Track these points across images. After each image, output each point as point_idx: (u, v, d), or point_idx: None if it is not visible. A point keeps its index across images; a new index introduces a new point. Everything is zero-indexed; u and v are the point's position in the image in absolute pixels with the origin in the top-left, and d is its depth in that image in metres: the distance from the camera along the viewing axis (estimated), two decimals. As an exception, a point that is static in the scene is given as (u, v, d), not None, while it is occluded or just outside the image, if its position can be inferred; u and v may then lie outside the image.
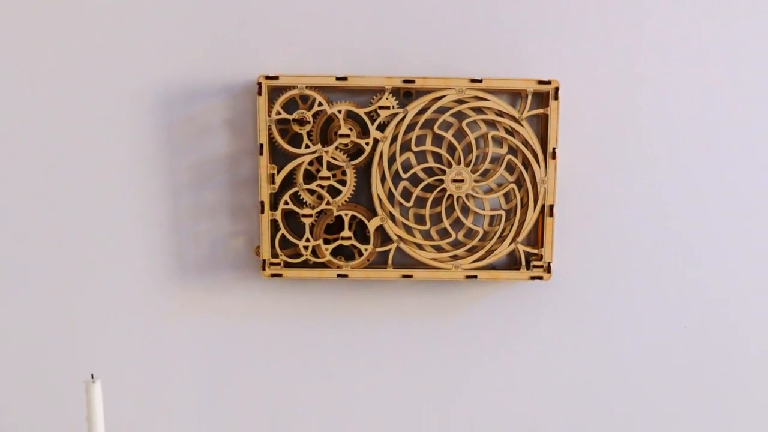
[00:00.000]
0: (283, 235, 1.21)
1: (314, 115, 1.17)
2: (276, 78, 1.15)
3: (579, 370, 1.34)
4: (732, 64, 1.24)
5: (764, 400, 1.35)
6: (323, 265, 1.23)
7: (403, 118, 1.17)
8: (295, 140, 1.19)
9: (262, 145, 1.17)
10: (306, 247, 1.21)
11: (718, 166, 1.27)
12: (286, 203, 1.19)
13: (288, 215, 1.22)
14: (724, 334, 1.32)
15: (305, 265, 1.23)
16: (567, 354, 1.34)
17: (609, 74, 1.24)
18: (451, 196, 1.20)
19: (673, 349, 1.33)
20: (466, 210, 1.21)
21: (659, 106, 1.25)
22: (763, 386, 1.34)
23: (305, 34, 1.21)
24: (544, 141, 1.19)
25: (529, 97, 1.17)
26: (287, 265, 1.23)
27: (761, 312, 1.32)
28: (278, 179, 1.19)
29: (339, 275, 1.22)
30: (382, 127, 1.17)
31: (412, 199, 1.21)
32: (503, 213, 1.22)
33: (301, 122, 1.18)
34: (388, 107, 1.17)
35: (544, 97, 1.18)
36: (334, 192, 1.20)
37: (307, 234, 1.21)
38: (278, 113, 1.16)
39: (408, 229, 1.22)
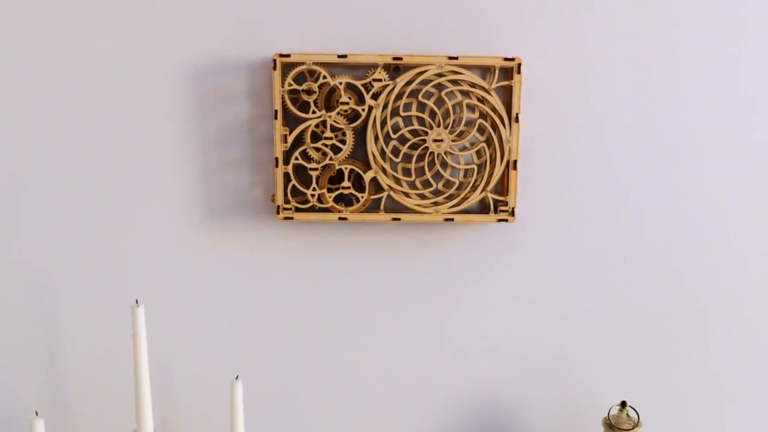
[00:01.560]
0: (293, 185, 1.33)
1: (319, 86, 1.29)
2: (288, 56, 1.27)
3: (538, 296, 1.47)
4: (667, 41, 1.36)
5: (687, 313, 1.49)
6: (327, 210, 1.34)
7: (392, 89, 1.28)
8: (304, 107, 1.30)
9: (276, 111, 1.29)
10: (312, 195, 1.33)
11: (654, 128, 1.40)
12: (297, 159, 1.32)
13: (298, 169, 1.34)
14: (655, 264, 1.46)
15: (312, 209, 1.34)
16: (528, 283, 1.46)
17: (563, 52, 1.36)
18: (432, 153, 1.32)
19: (614, 278, 1.46)
20: (444, 164, 1.33)
21: (605, 78, 1.37)
22: (684, 301, 1.48)
23: (312, 18, 1.32)
24: (509, 107, 1.31)
25: (497, 72, 1.29)
26: (297, 209, 1.34)
27: (682, 244, 1.46)
28: (290, 139, 1.31)
29: (340, 218, 1.34)
30: (375, 96, 1.29)
31: (400, 156, 1.33)
32: (475, 167, 1.33)
33: (309, 92, 1.29)
34: (380, 80, 1.28)
35: (509, 71, 1.29)
36: (336, 150, 1.32)
37: (314, 184, 1.33)
38: (290, 85, 1.28)
39: (397, 180, 1.33)
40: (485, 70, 1.32)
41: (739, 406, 1.52)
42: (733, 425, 1.54)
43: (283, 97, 1.29)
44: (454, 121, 1.31)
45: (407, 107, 1.31)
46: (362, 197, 1.33)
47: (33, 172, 1.41)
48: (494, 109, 1.30)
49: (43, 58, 1.36)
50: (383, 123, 1.30)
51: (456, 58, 1.28)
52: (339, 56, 1.28)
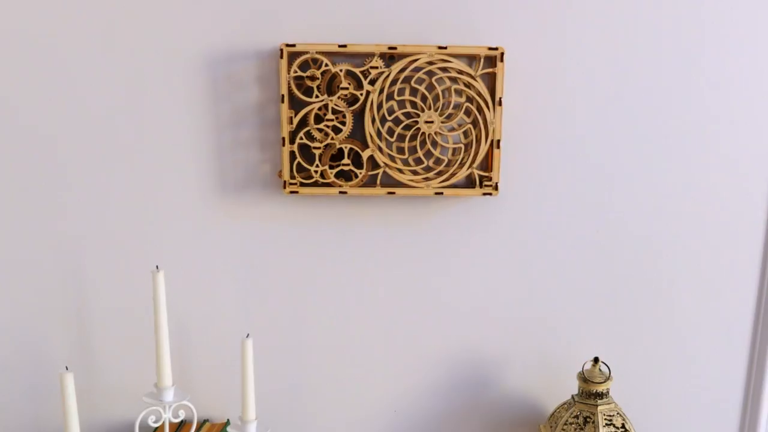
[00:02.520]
0: (298, 162, 1.38)
1: (322, 73, 1.34)
2: (293, 45, 1.32)
3: (519, 262, 1.53)
4: (635, 30, 1.41)
5: (653, 277, 1.55)
6: (328, 185, 1.39)
7: (388, 75, 1.33)
8: (308, 92, 1.35)
9: (283, 96, 1.33)
10: (316, 171, 1.38)
11: (624, 110, 1.45)
12: (301, 139, 1.36)
13: (302, 147, 1.38)
14: (625, 234, 1.52)
15: (315, 184, 1.39)
16: (510, 250, 1.52)
17: (542, 42, 1.41)
18: (423, 133, 1.36)
19: (587, 246, 1.52)
20: (434, 144, 1.38)
21: (580, 66, 1.42)
22: (651, 267, 1.54)
23: (316, 11, 1.36)
24: (492, 92, 1.35)
25: (482, 60, 1.34)
26: (302, 184, 1.39)
27: (649, 215, 1.51)
28: (295, 121, 1.36)
29: (340, 192, 1.39)
30: (372, 82, 1.34)
31: (395, 136, 1.37)
32: (462, 146, 1.38)
33: (312, 78, 1.34)
34: (377, 67, 1.33)
35: (493, 59, 1.34)
36: (336, 130, 1.36)
37: (317, 161, 1.38)
38: (295, 72, 1.33)
39: (392, 158, 1.38)
40: (471, 59, 1.36)
41: (698, 361, 1.59)
42: (693, 378, 1.60)
43: (289, 83, 1.34)
44: (443, 104, 1.36)
45: (401, 92, 1.36)
46: (360, 173, 1.38)
47: (68, 149, 1.45)
48: (479, 94, 1.34)
49: (79, 50, 1.41)
50: (379, 106, 1.35)
51: (445, 48, 1.33)
52: (339, 46, 1.32)
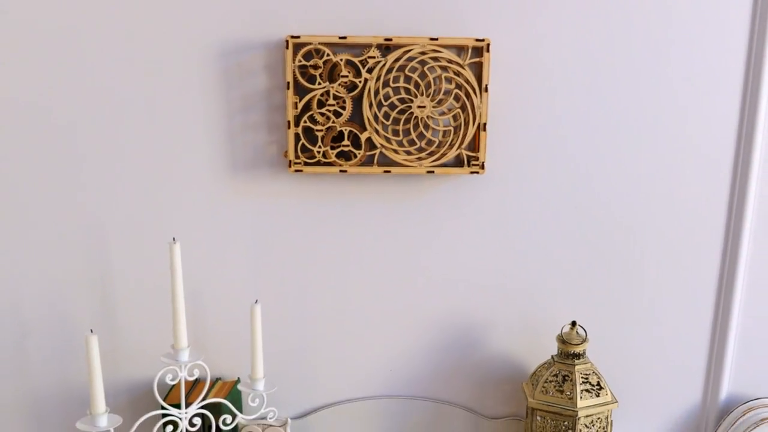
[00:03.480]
0: (303, 144, 1.42)
1: (324, 62, 1.38)
2: (298, 37, 1.36)
3: (503, 234, 1.57)
4: (607, 23, 1.45)
5: (625, 248, 1.59)
6: (330, 164, 1.43)
7: (384, 64, 1.38)
8: (311, 79, 1.39)
9: (288, 83, 1.38)
10: (318, 152, 1.42)
11: (598, 96, 1.49)
12: (305, 122, 1.40)
13: (306, 130, 1.42)
14: (599, 207, 1.56)
15: (318, 163, 1.43)
16: (495, 224, 1.56)
17: (524, 34, 1.45)
18: (416, 117, 1.41)
19: (566, 219, 1.57)
20: (426, 127, 1.42)
21: (558, 56, 1.46)
22: (623, 239, 1.58)
23: (318, 6, 1.41)
24: (479, 80, 1.40)
25: (470, 50, 1.38)
26: (306, 164, 1.43)
27: (621, 190, 1.55)
28: (300, 106, 1.40)
29: (341, 171, 1.43)
30: (370, 71, 1.38)
31: (391, 119, 1.42)
32: (452, 129, 1.42)
33: (315, 67, 1.38)
34: (374, 57, 1.38)
35: (480, 50, 1.39)
36: (337, 114, 1.40)
37: (319, 143, 1.42)
38: (299, 61, 1.37)
39: (387, 140, 1.43)
40: (460, 49, 1.41)
41: (665, 324, 1.65)
42: (660, 339, 1.65)
43: (294, 71, 1.38)
44: (434, 91, 1.40)
45: (396, 79, 1.40)
46: (359, 154, 1.42)
47: (92, 133, 1.49)
48: (467, 81, 1.39)
49: (105, 41, 1.44)
50: (376, 92, 1.39)
51: (436, 39, 1.37)
52: (340, 38, 1.37)
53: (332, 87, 1.41)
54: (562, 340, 1.52)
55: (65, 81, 1.47)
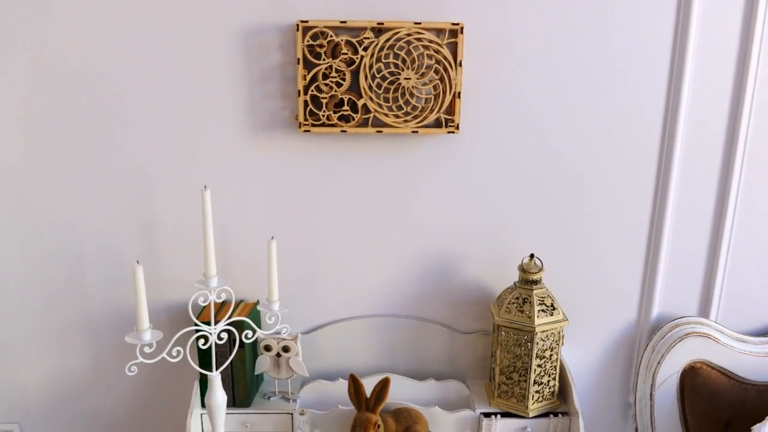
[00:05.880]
0: (310, 109, 1.51)
1: (328, 42, 1.47)
2: (306, 21, 1.46)
3: (475, 183, 1.66)
4: (567, 7, 1.53)
5: (577, 196, 1.67)
6: (332, 125, 1.51)
7: (377, 44, 1.48)
8: (317, 56, 1.48)
9: (299, 59, 1.48)
10: (323, 115, 1.51)
11: (556, 70, 1.57)
12: (312, 91, 1.50)
13: (313, 98, 1.51)
14: (555, 162, 1.65)
15: (322, 125, 1.52)
16: (468, 175, 1.65)
17: (492, 19, 1.53)
18: (403, 87, 1.51)
19: (527, 172, 1.66)
20: (411, 95, 1.51)
21: (523, 36, 1.54)
22: (575, 187, 1.67)
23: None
24: (455, 56, 1.49)
25: (447, 32, 1.48)
26: (313, 125, 1.52)
27: (573, 148, 1.64)
28: (308, 78, 1.49)
29: (341, 131, 1.53)
30: (365, 49, 1.48)
31: (382, 89, 1.51)
32: (432, 96, 1.52)
33: (320, 46, 1.48)
34: (368, 38, 1.47)
35: (456, 32, 1.48)
36: (338, 85, 1.50)
37: (324, 108, 1.51)
38: (307, 41, 1.47)
39: (379, 105, 1.52)
40: (439, 31, 1.49)
41: (607, 254, 1.74)
42: (603, 270, 1.76)
43: (303, 50, 1.47)
44: (418, 65, 1.50)
45: (387, 56, 1.49)
46: (356, 117, 1.51)
47: (137, 99, 1.57)
48: (445, 58, 1.49)
49: (148, 25, 1.52)
50: (370, 67, 1.49)
51: (420, 23, 1.47)
52: (341, 22, 1.47)
53: (334, 62, 1.48)
54: (523, 269, 1.62)
55: (115, 57, 1.54)
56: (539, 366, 1.64)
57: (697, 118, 1.64)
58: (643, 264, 1.78)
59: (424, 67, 1.51)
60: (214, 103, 1.59)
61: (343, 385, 1.69)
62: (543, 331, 1.60)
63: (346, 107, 1.52)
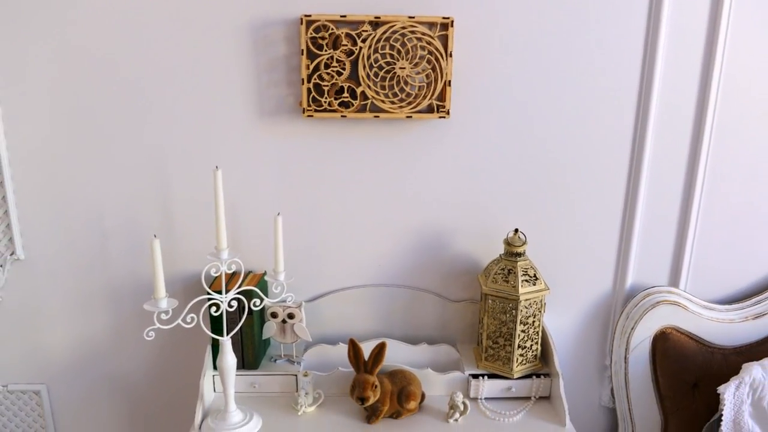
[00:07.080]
0: (313, 96, 1.56)
1: (329, 34, 1.52)
2: (310, 15, 1.52)
3: (464, 163, 1.72)
4: (548, 4, 1.60)
5: (556, 176, 1.72)
6: (334, 111, 1.56)
7: (374, 36, 1.53)
8: (320, 47, 1.53)
9: (303, 50, 1.53)
10: (325, 102, 1.56)
11: (540, 59, 1.63)
12: (315, 79, 1.55)
13: (316, 86, 1.56)
14: (537, 143, 1.70)
15: (324, 111, 1.57)
16: (457, 156, 1.71)
17: (480, 13, 1.59)
18: (398, 75, 1.56)
19: (512, 153, 1.71)
20: (406, 83, 1.56)
21: (508, 28, 1.61)
22: (555, 167, 1.71)
23: None
24: (446, 48, 1.54)
25: (438, 26, 1.54)
26: (315, 111, 1.57)
27: (554, 131, 1.68)
28: (311, 67, 1.54)
29: (342, 116, 1.58)
30: (364, 41, 1.53)
31: (379, 77, 1.56)
32: (425, 84, 1.57)
33: (323, 38, 1.53)
34: (366, 30, 1.52)
35: (446, 25, 1.54)
36: (339, 74, 1.55)
37: (326, 95, 1.56)
38: (311, 34, 1.52)
39: (377, 93, 1.57)
40: (431, 25, 1.55)
41: (584, 229, 1.79)
42: (581, 240, 1.81)
43: (306, 41, 1.53)
44: (412, 56, 1.56)
45: (383, 47, 1.54)
46: (355, 103, 1.56)
47: (155, 87, 1.63)
48: (437, 49, 1.55)
49: (164, 20, 1.57)
50: (368, 57, 1.55)
51: (413, 17, 1.53)
52: (341, 16, 1.53)
53: (335, 53, 1.54)
54: (508, 243, 1.69)
55: (134, 50, 1.60)
56: (523, 331, 1.69)
57: (667, 100, 1.68)
58: (618, 238, 1.83)
59: (418, 57, 1.56)
60: (225, 91, 1.64)
61: (343, 348, 1.73)
62: (526, 300, 1.65)
63: (346, 94, 1.57)
